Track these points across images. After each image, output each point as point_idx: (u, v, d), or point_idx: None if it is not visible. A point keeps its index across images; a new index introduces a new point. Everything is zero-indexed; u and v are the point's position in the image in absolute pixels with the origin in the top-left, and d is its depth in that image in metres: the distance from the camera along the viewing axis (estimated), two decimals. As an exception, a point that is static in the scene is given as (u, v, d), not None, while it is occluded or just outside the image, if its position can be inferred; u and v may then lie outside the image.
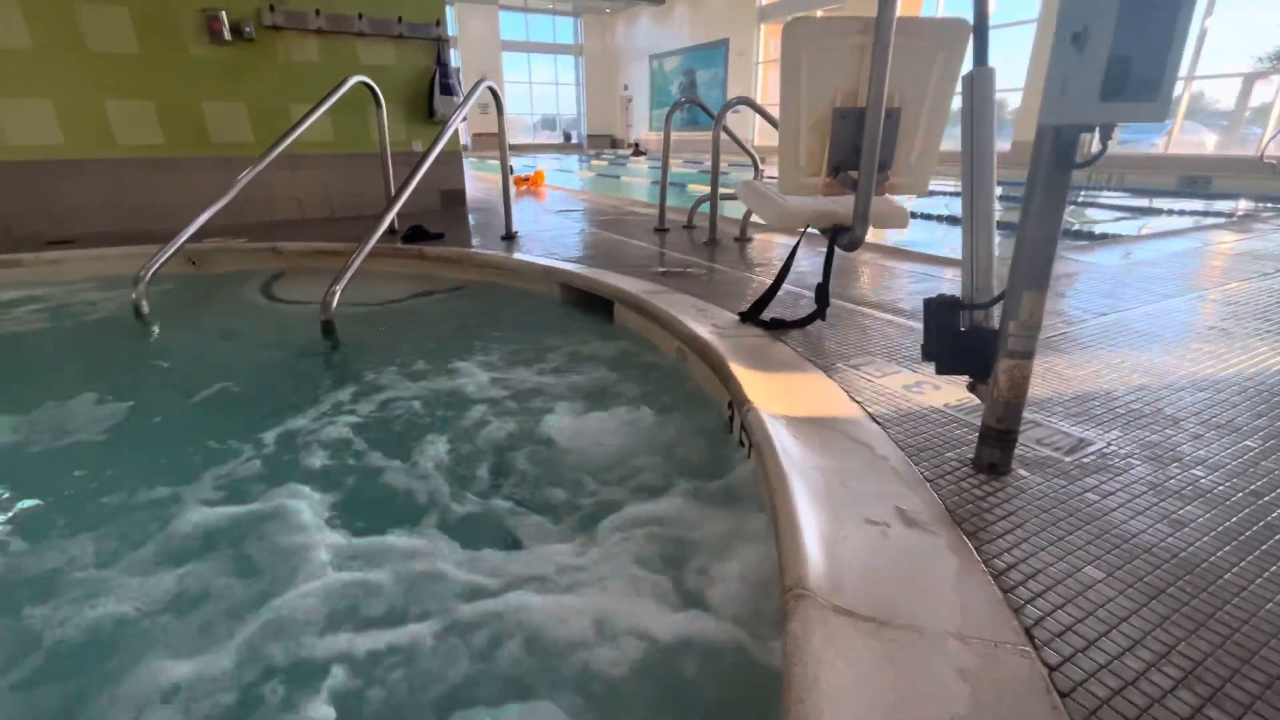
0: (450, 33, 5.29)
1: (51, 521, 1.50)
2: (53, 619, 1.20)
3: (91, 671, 1.09)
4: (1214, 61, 10.23)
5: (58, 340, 2.78)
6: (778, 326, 2.27)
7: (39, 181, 4.08)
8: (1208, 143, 11.27)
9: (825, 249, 2.25)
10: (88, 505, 1.56)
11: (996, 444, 1.31)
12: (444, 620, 1.18)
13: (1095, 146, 1.06)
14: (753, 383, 1.74)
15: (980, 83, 1.32)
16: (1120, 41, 0.94)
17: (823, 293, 2.27)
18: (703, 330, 2.19)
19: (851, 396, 1.69)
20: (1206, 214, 5.82)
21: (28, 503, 1.58)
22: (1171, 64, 0.94)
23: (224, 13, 4.26)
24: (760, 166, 4.46)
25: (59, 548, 1.40)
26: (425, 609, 1.21)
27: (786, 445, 1.38)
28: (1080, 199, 7.82)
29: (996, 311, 1.31)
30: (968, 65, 1.43)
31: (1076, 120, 1.03)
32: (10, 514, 1.54)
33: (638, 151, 19.47)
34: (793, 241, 2.38)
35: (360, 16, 4.72)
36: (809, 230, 2.32)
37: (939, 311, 1.38)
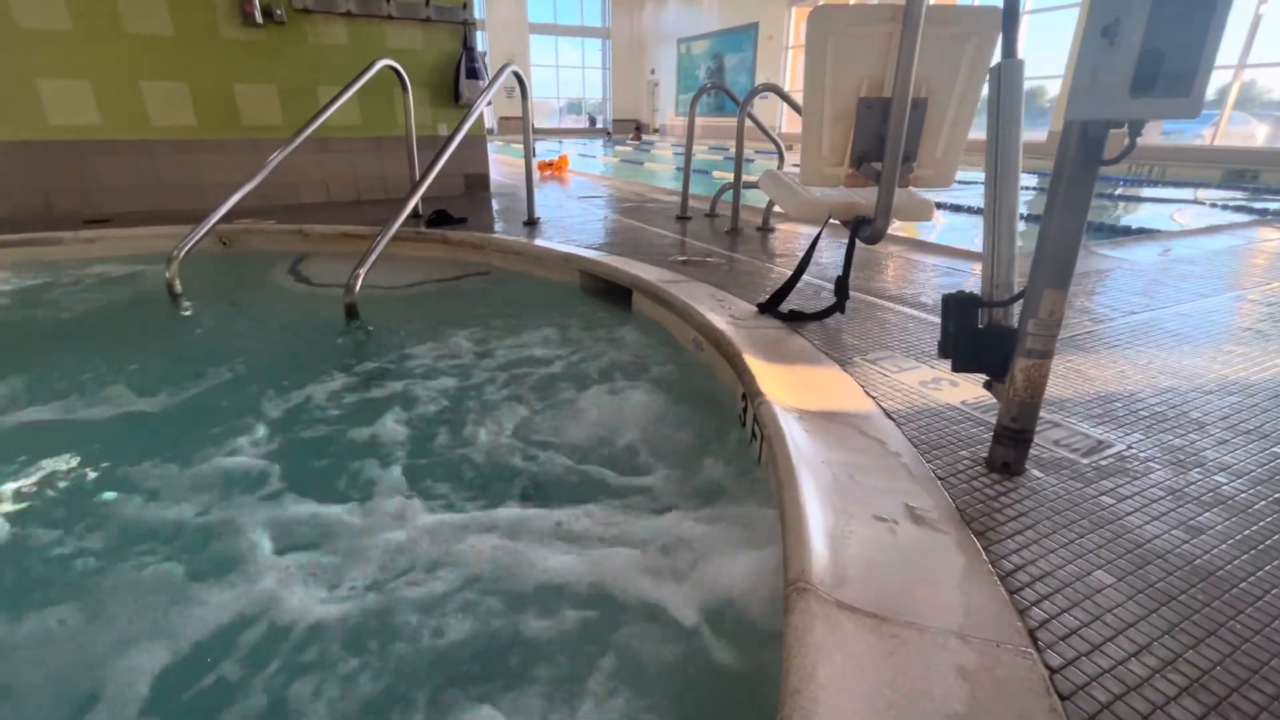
0: (478, 15, 5.29)
1: (86, 489, 1.57)
2: (81, 587, 1.26)
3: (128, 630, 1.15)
4: (1268, 49, 9.76)
5: (94, 317, 2.87)
6: (796, 318, 2.25)
7: (78, 160, 4.20)
8: (1258, 134, 10.80)
9: (846, 241, 2.22)
10: (120, 474, 1.62)
11: (1011, 444, 1.30)
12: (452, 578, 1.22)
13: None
14: (767, 375, 1.74)
15: (1009, 75, 1.29)
16: (1152, 34, 0.91)
17: (842, 285, 2.25)
18: (719, 321, 2.19)
19: (866, 391, 1.68)
20: (1252, 209, 5.59)
21: (64, 472, 1.65)
22: (1206, 59, 0.91)
23: (256, -5, 4.31)
24: (785, 154, 4.39)
25: (93, 512, 1.47)
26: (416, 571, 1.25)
27: (797, 439, 1.39)
28: (1120, 192, 7.58)
29: (1016, 309, 1.29)
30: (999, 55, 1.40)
31: (1105, 115, 1.01)
32: (48, 483, 1.61)
33: (639, 134, 19.56)
34: (815, 232, 2.35)
35: (389, 0, 4.73)
36: (831, 221, 2.29)
37: (957, 308, 1.36)
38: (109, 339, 2.66)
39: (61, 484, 1.61)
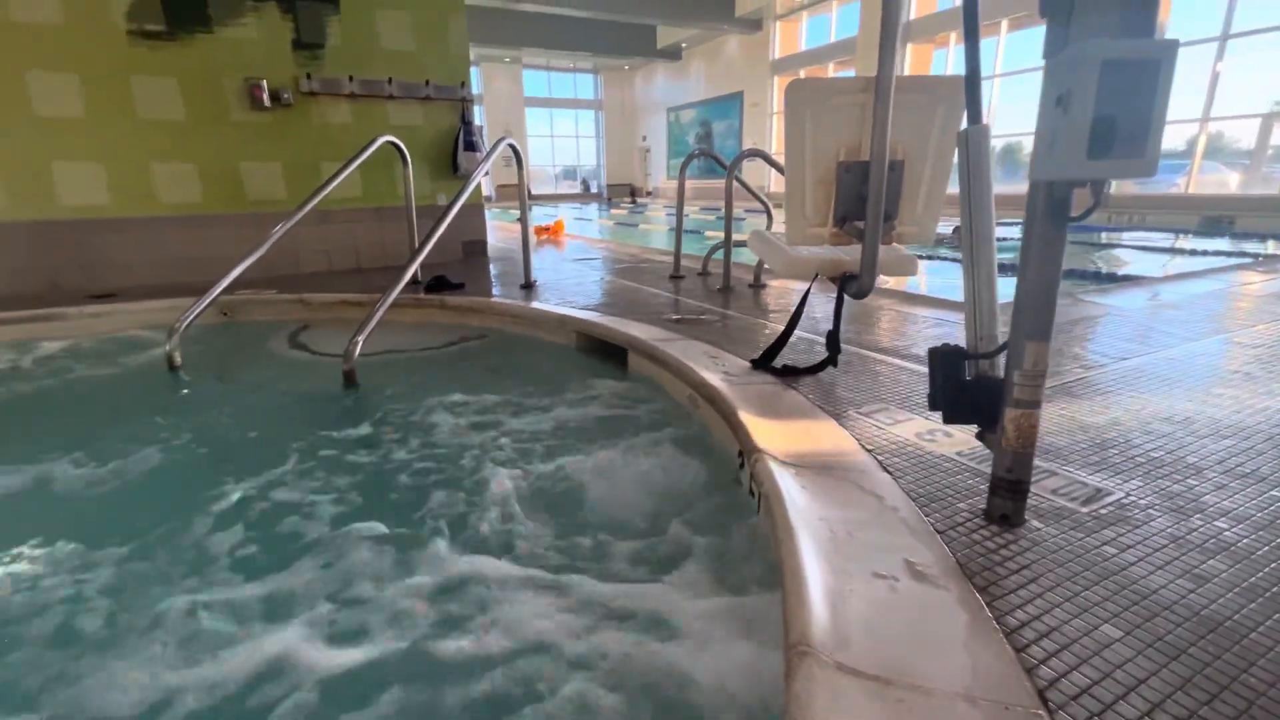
0: (476, 91, 5.57)
1: (84, 566, 1.54)
2: (77, 666, 1.22)
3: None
4: (1230, 102, 10.27)
5: (92, 391, 2.89)
6: (789, 373, 2.28)
7: (85, 238, 4.32)
8: (1230, 182, 11.19)
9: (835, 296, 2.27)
10: (117, 551, 1.60)
11: (1008, 495, 1.29)
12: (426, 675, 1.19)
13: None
14: (762, 431, 1.75)
15: (975, 139, 1.36)
16: (1103, 103, 0.97)
17: (833, 339, 2.28)
18: (714, 378, 2.21)
19: (862, 445, 1.69)
20: (1230, 254, 5.74)
21: (58, 549, 1.63)
22: (1156, 123, 0.97)
23: (265, 81, 4.55)
24: (772, 214, 4.54)
25: (89, 592, 1.44)
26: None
27: (795, 496, 1.38)
28: (1103, 239, 7.79)
29: (1002, 360, 1.31)
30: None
31: (1066, 176, 1.06)
32: (42, 560, 1.58)
33: (634, 198, 20.70)
34: (805, 287, 2.41)
35: (390, 81, 4.99)
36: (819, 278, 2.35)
37: (944, 361, 1.38)
38: (105, 413, 2.67)
39: (51, 557, 1.58)
